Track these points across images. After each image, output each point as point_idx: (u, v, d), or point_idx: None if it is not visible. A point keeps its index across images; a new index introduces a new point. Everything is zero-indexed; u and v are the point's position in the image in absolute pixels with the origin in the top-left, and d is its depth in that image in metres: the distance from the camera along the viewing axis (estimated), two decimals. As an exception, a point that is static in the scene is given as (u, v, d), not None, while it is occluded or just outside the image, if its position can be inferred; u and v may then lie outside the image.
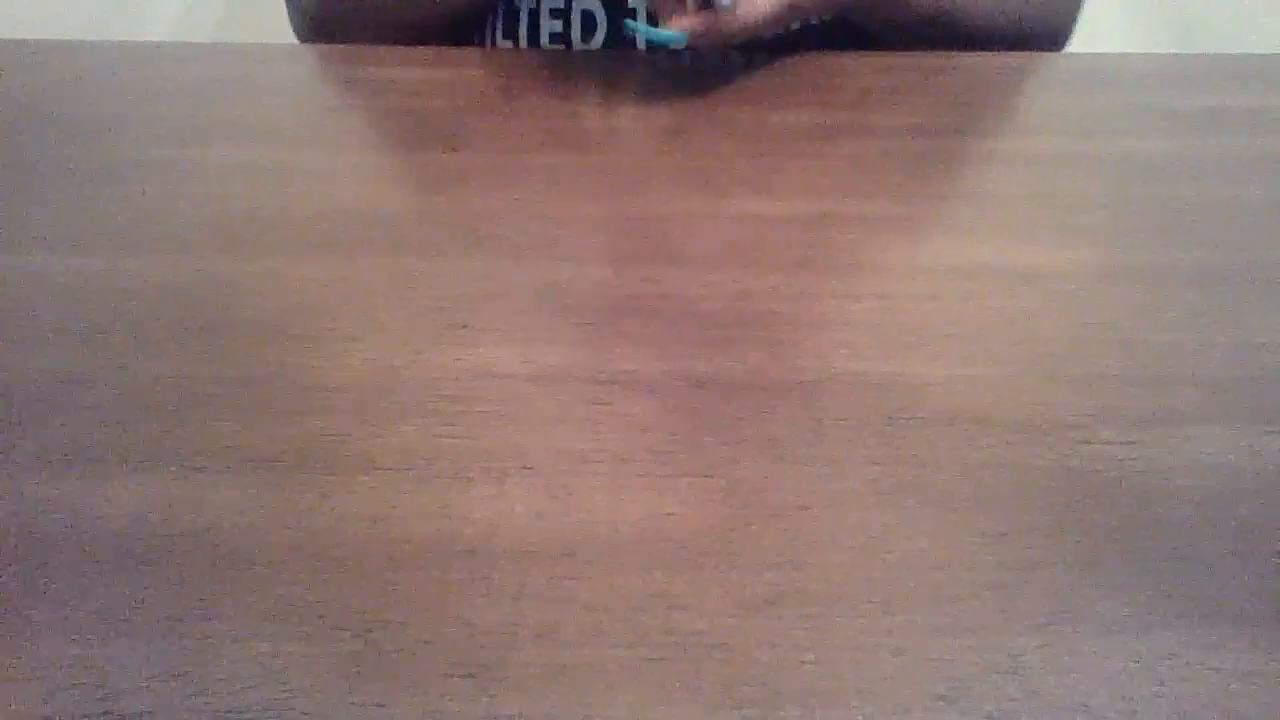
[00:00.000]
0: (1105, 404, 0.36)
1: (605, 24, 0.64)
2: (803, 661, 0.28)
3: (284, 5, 0.70)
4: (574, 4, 0.64)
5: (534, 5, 0.64)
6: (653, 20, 0.54)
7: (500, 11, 0.66)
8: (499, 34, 0.66)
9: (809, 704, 0.27)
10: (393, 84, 0.58)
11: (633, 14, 0.63)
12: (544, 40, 0.65)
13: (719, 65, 0.61)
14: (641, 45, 0.62)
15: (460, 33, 0.67)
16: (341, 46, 0.65)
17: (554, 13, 0.64)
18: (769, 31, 0.56)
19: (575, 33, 0.64)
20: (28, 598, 0.29)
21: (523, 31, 0.65)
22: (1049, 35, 0.67)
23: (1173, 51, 1.24)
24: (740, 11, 0.53)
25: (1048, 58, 0.63)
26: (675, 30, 0.52)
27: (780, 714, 0.27)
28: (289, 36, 0.70)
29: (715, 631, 0.28)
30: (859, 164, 0.51)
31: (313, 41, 0.68)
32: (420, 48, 0.62)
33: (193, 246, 0.44)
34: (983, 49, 0.62)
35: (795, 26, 0.61)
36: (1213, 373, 0.37)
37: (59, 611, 0.29)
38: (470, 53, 0.62)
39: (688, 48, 0.54)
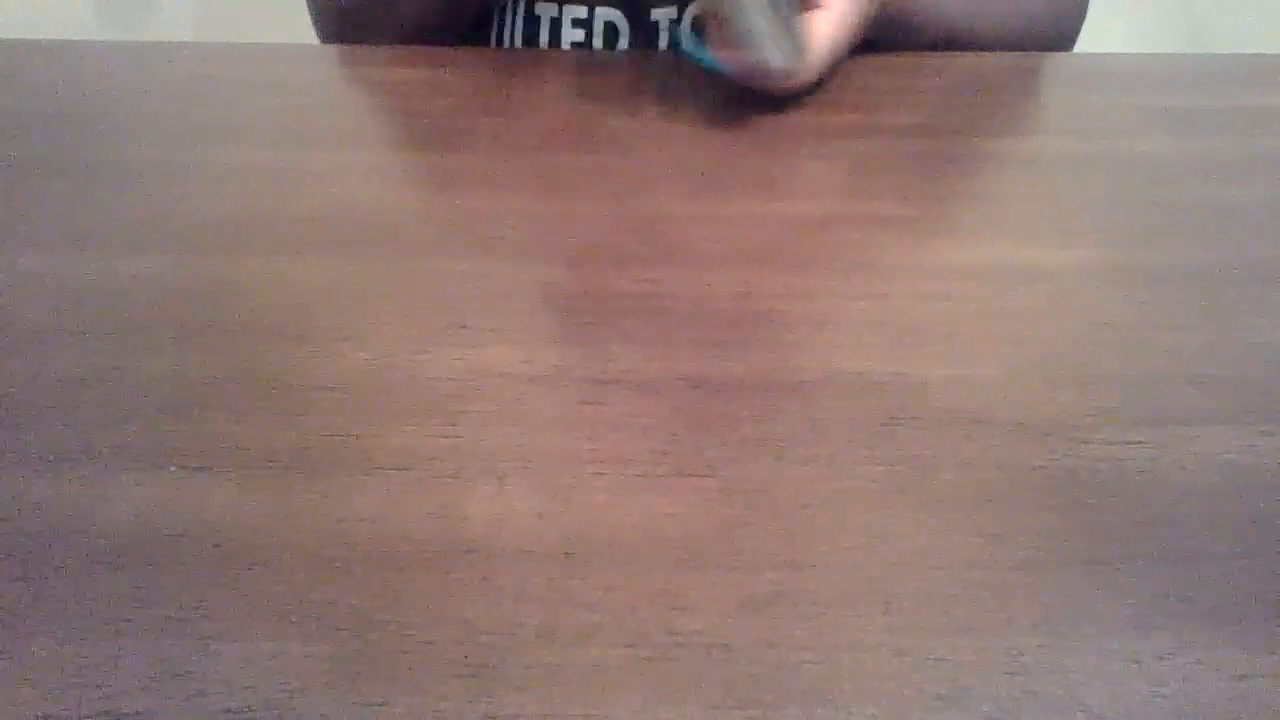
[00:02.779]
0: (1105, 404, 0.36)
1: (629, 35, 0.64)
2: (803, 661, 0.28)
3: (284, 6, 0.70)
4: (597, 14, 0.64)
5: (555, 14, 0.64)
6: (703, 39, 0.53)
7: (520, 20, 0.65)
8: (518, 42, 0.66)
9: (809, 704, 0.27)
10: (393, 84, 0.58)
11: (655, 27, 0.63)
12: None
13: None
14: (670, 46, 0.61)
15: (474, 37, 0.67)
16: (341, 47, 0.65)
17: (576, 22, 0.64)
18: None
19: (598, 43, 0.64)
20: (28, 598, 0.29)
21: (543, 42, 0.65)
22: (1056, 44, 0.67)
23: (1174, 51, 1.24)
24: (793, 78, 0.53)
25: (1049, 58, 0.63)
26: (727, 66, 0.52)
27: (780, 714, 0.27)
28: (293, 36, 0.70)
29: (715, 631, 0.28)
30: (859, 164, 0.51)
31: (333, 41, 0.68)
32: (420, 47, 0.62)
33: (193, 246, 0.44)
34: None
35: None
36: (1213, 373, 0.37)
37: (59, 611, 0.29)
38: (470, 53, 0.62)
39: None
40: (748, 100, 0.55)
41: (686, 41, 0.51)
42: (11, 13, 1.22)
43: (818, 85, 0.56)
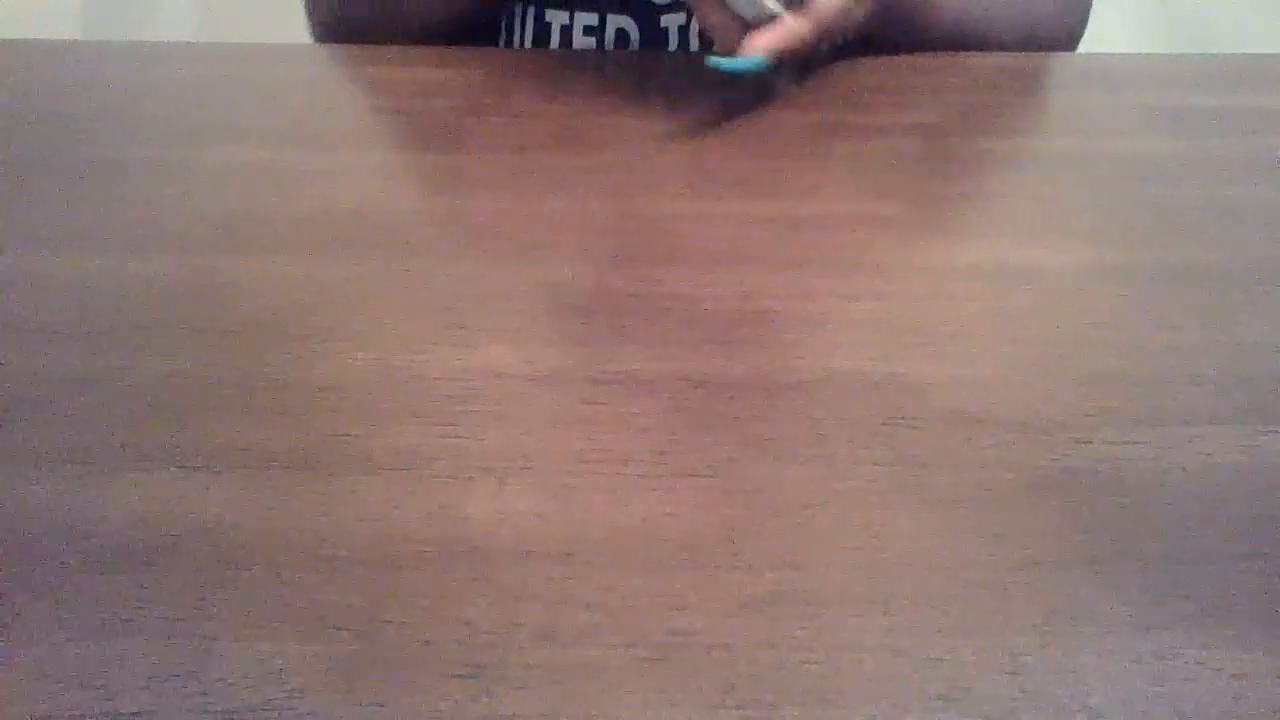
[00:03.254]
0: (1105, 404, 0.36)
1: (639, 43, 0.64)
2: (803, 661, 0.28)
3: (284, 6, 0.70)
4: (608, 21, 0.64)
5: (566, 21, 0.64)
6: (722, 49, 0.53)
7: (531, 27, 0.65)
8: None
9: (809, 704, 0.27)
10: (393, 84, 0.58)
11: (665, 34, 0.63)
12: None
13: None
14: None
15: (483, 42, 0.67)
16: (342, 46, 0.65)
17: (588, 30, 0.64)
18: (837, 32, 0.54)
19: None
20: (28, 598, 0.29)
21: (554, 48, 0.65)
22: (1064, 42, 0.67)
23: (1174, 52, 1.24)
24: (810, 11, 0.52)
25: (1049, 58, 0.63)
26: (754, 56, 0.51)
27: (780, 714, 0.27)
28: (293, 36, 0.70)
29: (715, 631, 0.28)
30: (859, 164, 0.51)
31: (329, 41, 0.68)
32: (421, 48, 0.62)
33: (193, 246, 0.44)
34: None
35: (838, 42, 0.60)
36: (1213, 373, 0.37)
37: (59, 611, 0.29)
38: (471, 53, 0.62)
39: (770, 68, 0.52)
40: (748, 100, 0.55)
41: (714, 58, 0.51)
42: (11, 12, 1.22)
43: (820, 84, 0.56)
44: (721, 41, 0.53)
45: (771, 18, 0.51)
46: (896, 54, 0.61)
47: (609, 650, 0.28)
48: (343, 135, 0.54)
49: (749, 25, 0.52)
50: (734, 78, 0.52)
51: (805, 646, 0.28)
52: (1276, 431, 0.35)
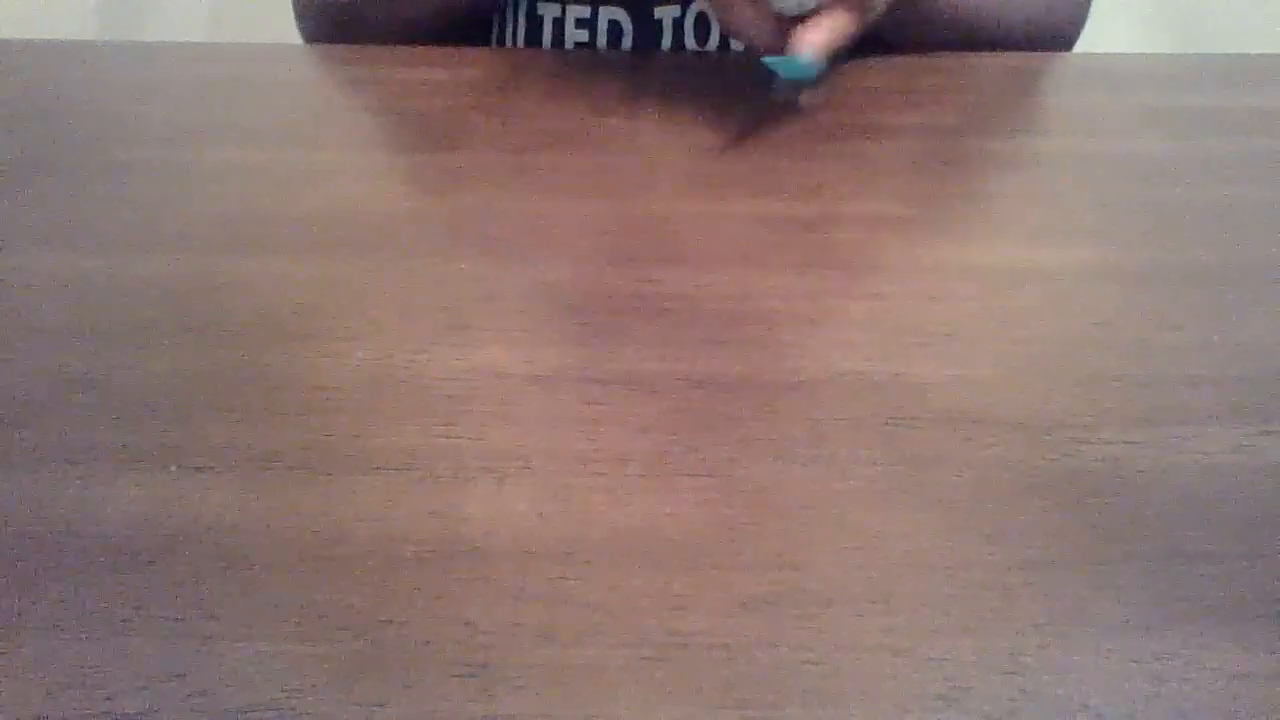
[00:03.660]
0: (1105, 404, 0.36)
1: (632, 34, 0.64)
2: (803, 661, 0.28)
3: (284, 6, 0.70)
4: (600, 14, 0.64)
5: (559, 14, 0.64)
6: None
7: (522, 21, 0.65)
8: (520, 44, 0.66)
9: (809, 704, 0.27)
10: (393, 84, 0.58)
11: (659, 26, 0.63)
12: None
13: (719, 65, 0.61)
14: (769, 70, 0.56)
15: (475, 37, 0.67)
16: (341, 46, 0.65)
17: (580, 22, 0.64)
18: (866, 23, 0.53)
19: (601, 43, 0.64)
20: (28, 598, 0.29)
21: (546, 42, 0.65)
22: (1062, 40, 0.67)
23: (1174, 51, 1.24)
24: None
25: (1049, 58, 0.63)
26: (807, 57, 0.48)
27: (780, 714, 0.27)
28: (293, 36, 0.69)
29: (715, 631, 0.28)
30: (859, 164, 0.51)
31: (319, 41, 0.68)
32: (420, 48, 0.62)
33: (193, 246, 0.44)
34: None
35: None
36: (1213, 373, 0.37)
37: (59, 611, 0.29)
38: (470, 53, 0.62)
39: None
40: (747, 99, 0.55)
41: (782, 69, 0.48)
42: (11, 12, 1.22)
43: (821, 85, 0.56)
44: (754, 42, 0.50)
45: (808, 11, 0.49)
46: (898, 53, 0.61)
47: (609, 650, 0.28)
48: (342, 135, 0.54)
49: (780, 21, 0.49)
50: (793, 85, 0.50)
51: (805, 646, 0.28)
52: (1276, 431, 0.35)
